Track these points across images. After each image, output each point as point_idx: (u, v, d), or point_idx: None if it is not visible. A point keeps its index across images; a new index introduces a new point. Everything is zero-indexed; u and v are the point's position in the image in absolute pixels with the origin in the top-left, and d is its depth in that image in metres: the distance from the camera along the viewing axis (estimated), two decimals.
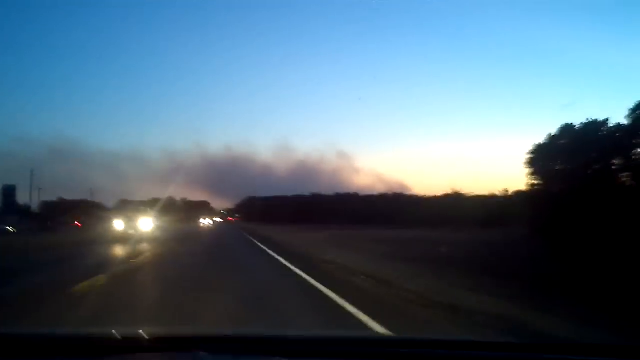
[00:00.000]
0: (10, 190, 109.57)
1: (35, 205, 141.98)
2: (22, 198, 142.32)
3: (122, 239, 26.88)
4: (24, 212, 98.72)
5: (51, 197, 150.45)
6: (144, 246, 23.62)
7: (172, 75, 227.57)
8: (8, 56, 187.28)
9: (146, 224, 29.74)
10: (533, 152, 33.70)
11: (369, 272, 12.30)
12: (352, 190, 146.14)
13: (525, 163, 33.59)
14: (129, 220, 29.45)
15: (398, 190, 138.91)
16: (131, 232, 28.43)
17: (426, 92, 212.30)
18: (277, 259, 17.69)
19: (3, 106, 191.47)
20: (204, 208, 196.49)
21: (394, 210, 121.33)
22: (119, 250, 21.46)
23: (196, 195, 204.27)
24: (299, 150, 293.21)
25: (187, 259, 17.70)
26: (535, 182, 33.20)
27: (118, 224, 29.54)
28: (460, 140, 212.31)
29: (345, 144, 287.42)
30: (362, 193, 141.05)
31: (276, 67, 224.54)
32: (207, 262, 16.77)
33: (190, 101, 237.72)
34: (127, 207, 35.75)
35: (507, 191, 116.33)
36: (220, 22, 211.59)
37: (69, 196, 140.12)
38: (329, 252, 19.15)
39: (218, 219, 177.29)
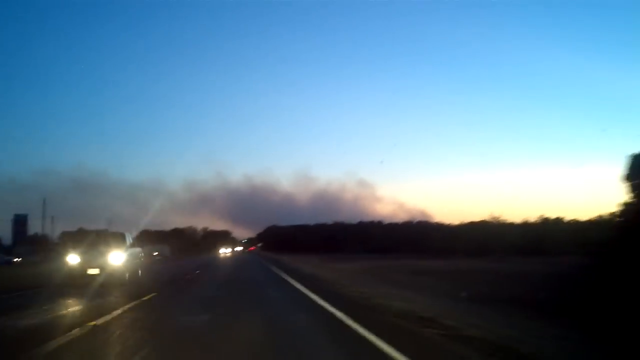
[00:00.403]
0: (21, 220, 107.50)
1: (55, 235, 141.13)
2: (43, 229, 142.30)
3: (79, 279, 18.80)
4: (40, 242, 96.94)
5: (73, 227, 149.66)
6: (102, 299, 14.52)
7: (193, 106, 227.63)
8: (31, 88, 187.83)
9: (117, 257, 19.59)
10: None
11: (456, 326, 8.48)
12: (374, 218, 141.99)
13: (623, 177, 26.60)
14: (91, 252, 19.68)
15: (420, 218, 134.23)
16: (92, 270, 19.01)
17: (444, 122, 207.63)
18: (319, 305, 12.57)
19: (26, 138, 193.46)
20: (225, 237, 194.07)
21: (420, 238, 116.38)
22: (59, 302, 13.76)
23: (218, 225, 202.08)
24: (319, 179, 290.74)
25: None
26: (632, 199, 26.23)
27: (72, 259, 19.61)
28: (483, 169, 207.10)
29: (366, 172, 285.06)
30: (385, 221, 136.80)
31: (296, 97, 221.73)
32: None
33: (211, 131, 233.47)
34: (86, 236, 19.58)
35: (546, 218, 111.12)
36: (241, 52, 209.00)
37: (92, 226, 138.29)
38: (376, 291, 15.39)
39: (239, 248, 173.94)
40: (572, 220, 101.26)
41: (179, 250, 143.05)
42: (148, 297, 14.72)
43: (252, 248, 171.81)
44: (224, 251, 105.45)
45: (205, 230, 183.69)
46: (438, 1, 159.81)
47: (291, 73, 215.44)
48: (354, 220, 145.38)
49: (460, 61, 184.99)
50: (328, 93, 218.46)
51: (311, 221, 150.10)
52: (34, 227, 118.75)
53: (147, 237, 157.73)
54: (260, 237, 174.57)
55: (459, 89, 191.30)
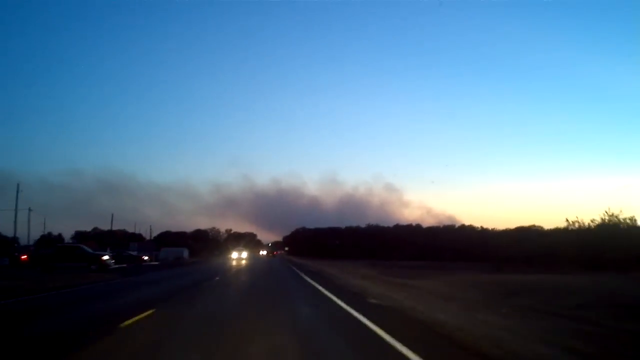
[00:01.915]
0: None
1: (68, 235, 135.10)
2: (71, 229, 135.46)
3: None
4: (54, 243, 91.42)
5: (88, 228, 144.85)
6: None
7: (221, 108, 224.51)
8: (59, 89, 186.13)
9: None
10: None
11: None
12: (404, 222, 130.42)
13: None
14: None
15: (447, 223, 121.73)
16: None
17: (471, 128, 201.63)
18: None
19: (55, 140, 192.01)
20: (250, 240, 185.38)
21: (463, 245, 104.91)
22: None
23: (244, 228, 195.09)
24: (346, 183, 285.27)
25: None
26: None
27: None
28: (513, 176, 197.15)
29: (393, 177, 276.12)
30: (424, 225, 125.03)
31: (323, 100, 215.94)
32: None
33: (239, 134, 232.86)
34: None
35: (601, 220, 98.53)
36: (271, 55, 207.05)
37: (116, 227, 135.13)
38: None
39: (264, 252, 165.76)
40: None
41: (200, 253, 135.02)
42: None
43: (276, 252, 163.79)
44: (237, 255, 75.33)
45: (229, 232, 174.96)
46: (481, 6, 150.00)
47: (321, 77, 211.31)
48: (388, 223, 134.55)
49: (495, 69, 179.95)
50: (355, 98, 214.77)
51: (338, 225, 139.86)
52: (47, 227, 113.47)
53: (168, 239, 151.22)
54: (287, 241, 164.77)
55: (489, 96, 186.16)
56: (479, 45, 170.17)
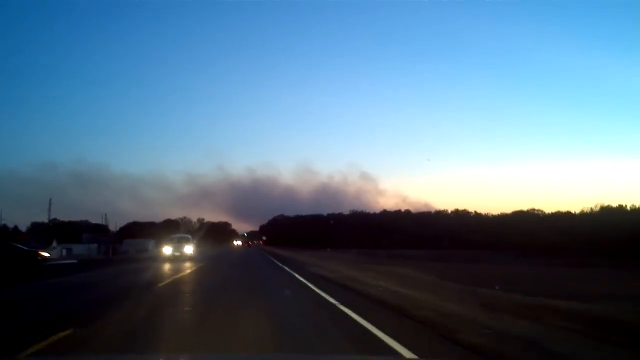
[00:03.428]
0: None
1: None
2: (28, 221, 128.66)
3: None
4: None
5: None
6: None
7: (194, 99, 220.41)
8: (30, 83, 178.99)
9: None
10: None
11: None
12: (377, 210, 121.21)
13: None
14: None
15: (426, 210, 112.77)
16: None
17: (445, 115, 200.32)
18: None
19: (26, 133, 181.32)
20: (224, 230, 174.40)
21: (456, 231, 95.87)
22: None
23: (218, 218, 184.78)
24: (321, 173, 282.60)
25: None
26: None
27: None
28: (486, 162, 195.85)
29: (368, 166, 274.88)
30: (416, 211, 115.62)
31: (298, 90, 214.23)
32: None
33: (212, 124, 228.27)
34: None
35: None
36: (242, 46, 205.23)
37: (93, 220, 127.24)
38: None
39: (239, 242, 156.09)
40: None
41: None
42: None
43: (251, 243, 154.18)
44: (171, 252, 32.91)
45: (201, 221, 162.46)
46: None
47: (293, 66, 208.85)
48: (373, 209, 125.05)
49: (460, 54, 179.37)
50: (329, 86, 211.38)
51: (319, 212, 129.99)
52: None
53: (134, 230, 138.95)
54: (264, 229, 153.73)
55: (460, 83, 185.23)
56: (451, 33, 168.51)
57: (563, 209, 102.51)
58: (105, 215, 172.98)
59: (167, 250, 31.43)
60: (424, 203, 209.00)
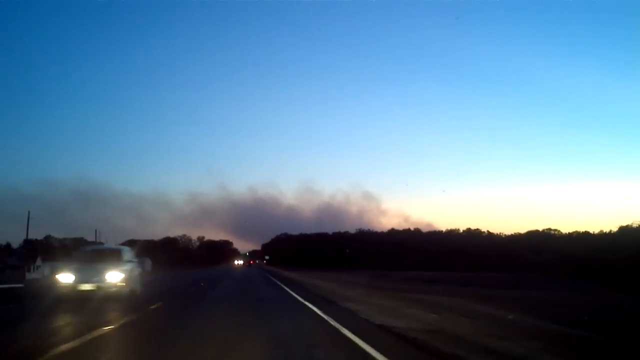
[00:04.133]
0: None
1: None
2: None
3: None
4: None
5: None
6: None
7: (196, 118, 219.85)
8: (35, 101, 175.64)
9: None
10: None
11: None
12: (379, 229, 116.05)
13: None
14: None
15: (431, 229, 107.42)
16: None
17: (449, 135, 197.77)
18: None
19: (29, 150, 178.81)
20: (224, 249, 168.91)
21: (469, 252, 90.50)
22: None
23: (219, 237, 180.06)
24: (324, 192, 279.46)
25: None
26: None
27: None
28: (490, 183, 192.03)
29: (370, 185, 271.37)
30: (424, 230, 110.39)
31: (299, 109, 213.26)
32: None
33: (214, 143, 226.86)
34: None
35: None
36: (245, 66, 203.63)
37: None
38: None
39: (240, 262, 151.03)
40: None
41: (170, 263, 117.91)
42: None
43: (252, 262, 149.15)
44: (70, 278, 14.66)
45: (201, 240, 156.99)
46: (465, 15, 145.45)
47: (295, 86, 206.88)
48: (377, 228, 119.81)
49: (462, 74, 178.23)
50: (331, 106, 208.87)
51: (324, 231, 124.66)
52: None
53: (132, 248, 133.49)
54: (266, 248, 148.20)
55: (460, 102, 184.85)
56: (456, 52, 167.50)
57: (580, 228, 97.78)
58: (99, 232, 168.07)
59: (65, 278, 14.72)
60: (427, 223, 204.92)
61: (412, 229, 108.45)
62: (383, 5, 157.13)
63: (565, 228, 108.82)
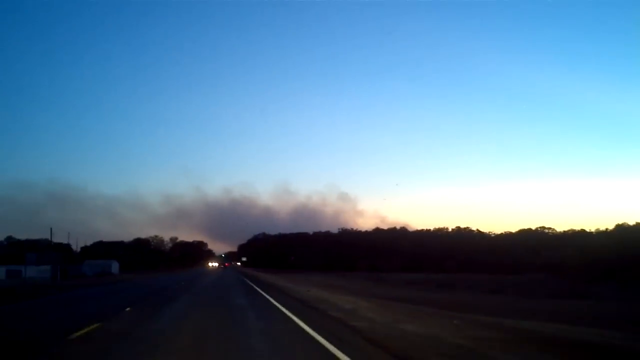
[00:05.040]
0: None
1: None
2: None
3: None
4: None
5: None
6: None
7: (171, 120, 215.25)
8: (8, 103, 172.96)
9: None
10: None
11: None
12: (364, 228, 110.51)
13: None
14: None
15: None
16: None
17: (424, 136, 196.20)
18: None
19: (1, 151, 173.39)
20: (199, 250, 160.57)
21: (460, 252, 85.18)
22: None
23: (194, 238, 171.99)
24: (300, 193, 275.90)
25: None
26: None
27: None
28: (463, 182, 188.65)
29: (346, 186, 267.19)
30: (410, 228, 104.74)
31: (274, 111, 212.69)
32: None
33: (189, 145, 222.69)
34: None
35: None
36: (219, 66, 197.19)
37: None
38: None
39: (215, 264, 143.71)
40: None
41: (141, 265, 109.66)
42: None
43: (227, 264, 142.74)
44: None
45: (174, 241, 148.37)
46: (441, 11, 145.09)
47: (271, 88, 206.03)
48: (368, 227, 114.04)
49: (440, 73, 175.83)
50: (306, 108, 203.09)
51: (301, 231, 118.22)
52: None
53: (100, 250, 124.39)
54: (243, 249, 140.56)
55: (433, 104, 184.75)
56: (430, 55, 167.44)
57: (574, 227, 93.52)
58: (69, 234, 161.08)
59: None
60: (403, 224, 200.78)
61: (397, 227, 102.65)
62: (353, 6, 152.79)
63: (559, 227, 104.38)
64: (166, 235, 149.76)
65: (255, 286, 27.59)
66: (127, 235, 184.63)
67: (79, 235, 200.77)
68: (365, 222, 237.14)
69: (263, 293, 21.23)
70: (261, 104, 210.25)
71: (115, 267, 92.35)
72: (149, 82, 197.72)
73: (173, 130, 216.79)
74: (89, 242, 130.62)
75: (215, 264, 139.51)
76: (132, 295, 21.95)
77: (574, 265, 52.02)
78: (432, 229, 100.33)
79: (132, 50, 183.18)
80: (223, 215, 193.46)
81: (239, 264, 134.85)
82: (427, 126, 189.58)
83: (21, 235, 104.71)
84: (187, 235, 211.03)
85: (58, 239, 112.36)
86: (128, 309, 14.41)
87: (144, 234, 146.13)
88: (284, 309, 13.67)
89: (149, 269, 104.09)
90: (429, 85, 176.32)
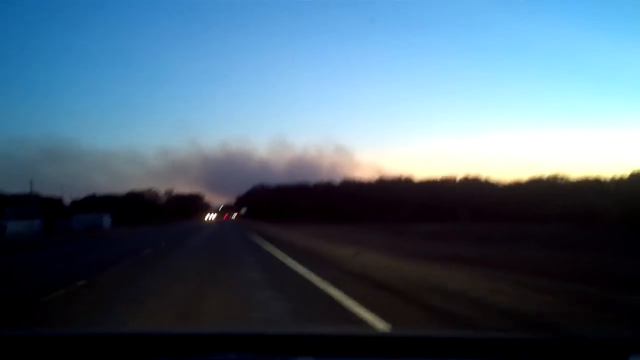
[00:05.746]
0: None
1: None
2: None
3: None
4: None
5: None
6: None
7: (166, 72, 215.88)
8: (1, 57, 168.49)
9: None
10: None
11: None
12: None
13: None
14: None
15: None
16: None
17: (420, 88, 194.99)
18: None
19: None
20: (195, 203, 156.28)
21: (470, 202, 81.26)
22: None
23: (191, 191, 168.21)
24: (296, 146, 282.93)
25: None
26: None
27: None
28: (459, 133, 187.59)
29: (343, 138, 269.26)
30: (414, 178, 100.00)
31: (271, 63, 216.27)
32: None
33: (185, 99, 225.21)
34: None
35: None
36: (214, 21, 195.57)
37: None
38: None
39: (213, 216, 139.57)
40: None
41: (135, 219, 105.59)
42: None
43: (226, 216, 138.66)
44: None
45: (169, 194, 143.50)
46: None
47: (266, 39, 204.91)
48: (370, 176, 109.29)
49: (440, 23, 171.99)
50: (303, 60, 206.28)
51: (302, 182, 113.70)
52: None
53: (92, 204, 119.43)
54: (241, 201, 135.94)
55: (435, 56, 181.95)
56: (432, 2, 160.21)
57: (586, 175, 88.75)
58: (61, 187, 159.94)
59: None
60: (406, 175, 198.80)
61: (402, 178, 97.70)
62: None
63: (571, 175, 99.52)
64: (162, 188, 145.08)
65: (268, 247, 22.27)
66: (123, 189, 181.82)
67: (73, 190, 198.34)
68: (363, 174, 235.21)
69: (298, 266, 15.87)
70: (256, 56, 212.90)
71: (106, 221, 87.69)
72: (144, 35, 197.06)
73: (169, 83, 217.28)
74: (79, 195, 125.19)
75: (213, 216, 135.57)
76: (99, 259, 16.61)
77: (609, 214, 47.30)
78: (438, 179, 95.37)
79: (126, 4, 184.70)
80: (220, 168, 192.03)
81: (235, 215, 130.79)
82: (426, 78, 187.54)
83: (11, 190, 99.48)
84: (183, 188, 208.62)
85: (50, 193, 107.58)
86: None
87: (139, 188, 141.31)
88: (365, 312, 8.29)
89: (144, 222, 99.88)
90: (431, 32, 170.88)
